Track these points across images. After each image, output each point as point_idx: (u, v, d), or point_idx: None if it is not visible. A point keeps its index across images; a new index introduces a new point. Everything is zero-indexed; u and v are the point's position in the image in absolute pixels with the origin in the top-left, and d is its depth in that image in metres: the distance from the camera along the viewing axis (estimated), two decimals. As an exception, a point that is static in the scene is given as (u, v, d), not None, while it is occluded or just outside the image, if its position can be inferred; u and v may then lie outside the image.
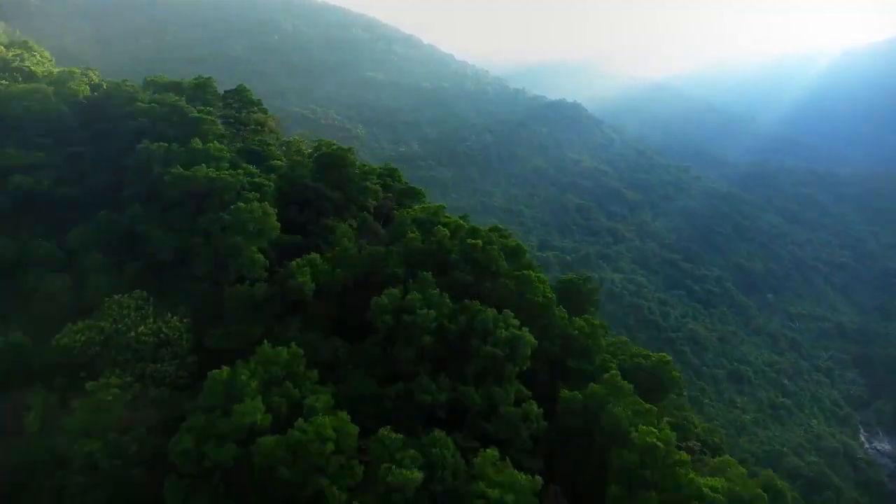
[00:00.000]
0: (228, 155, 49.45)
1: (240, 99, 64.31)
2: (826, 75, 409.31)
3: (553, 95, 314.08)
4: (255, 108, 65.45)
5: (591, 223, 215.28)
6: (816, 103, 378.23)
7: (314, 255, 45.32)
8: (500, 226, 56.51)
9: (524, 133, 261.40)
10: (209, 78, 63.10)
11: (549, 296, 46.12)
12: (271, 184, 49.09)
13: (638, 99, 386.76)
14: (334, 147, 56.02)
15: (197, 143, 48.42)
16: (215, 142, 49.49)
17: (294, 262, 44.07)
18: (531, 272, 46.84)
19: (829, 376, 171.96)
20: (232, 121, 64.87)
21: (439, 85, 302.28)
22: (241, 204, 43.62)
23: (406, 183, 66.07)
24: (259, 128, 65.23)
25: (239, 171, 46.91)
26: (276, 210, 46.45)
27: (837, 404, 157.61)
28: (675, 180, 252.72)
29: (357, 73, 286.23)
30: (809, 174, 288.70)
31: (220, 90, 68.35)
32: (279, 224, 46.26)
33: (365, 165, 57.20)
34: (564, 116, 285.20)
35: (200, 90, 61.57)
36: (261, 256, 43.16)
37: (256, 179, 48.08)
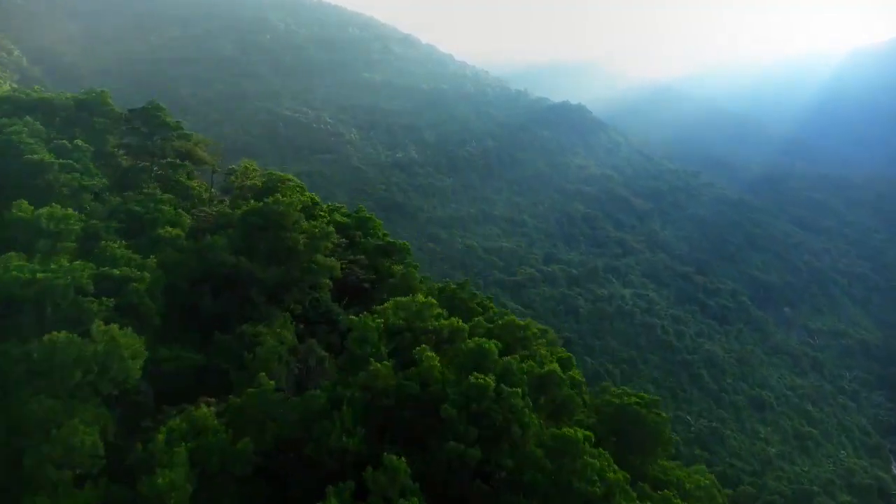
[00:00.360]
0: (78, 227, 28.25)
1: (148, 121, 42.96)
2: (833, 77, 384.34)
3: (554, 97, 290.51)
4: (173, 133, 44.17)
5: (598, 233, 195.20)
6: (823, 105, 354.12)
7: (202, 413, 24.46)
8: (518, 319, 34.89)
9: (526, 137, 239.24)
10: (102, 92, 41.68)
11: (613, 477, 25.20)
12: (146, 275, 27.84)
13: (639, 101, 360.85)
14: (268, 201, 34.72)
15: (21, 207, 27.28)
16: (55, 204, 28.20)
17: (160, 435, 23.22)
18: (576, 430, 25.78)
19: (854, 400, 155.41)
20: (139, 152, 43.56)
21: (438, 86, 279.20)
22: (62, 333, 22.52)
23: (385, 237, 44.87)
24: (178, 161, 43.90)
25: (78, 262, 25.56)
26: (146, 338, 25.17)
27: (866, 432, 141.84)
28: (685, 187, 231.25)
29: (353, 73, 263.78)
30: (820, 179, 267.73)
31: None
32: (146, 353, 25.16)
33: (317, 225, 35.84)
34: (568, 119, 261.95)
35: (86, 110, 40.06)
36: (92, 437, 22.06)
37: (117, 272, 26.84)
